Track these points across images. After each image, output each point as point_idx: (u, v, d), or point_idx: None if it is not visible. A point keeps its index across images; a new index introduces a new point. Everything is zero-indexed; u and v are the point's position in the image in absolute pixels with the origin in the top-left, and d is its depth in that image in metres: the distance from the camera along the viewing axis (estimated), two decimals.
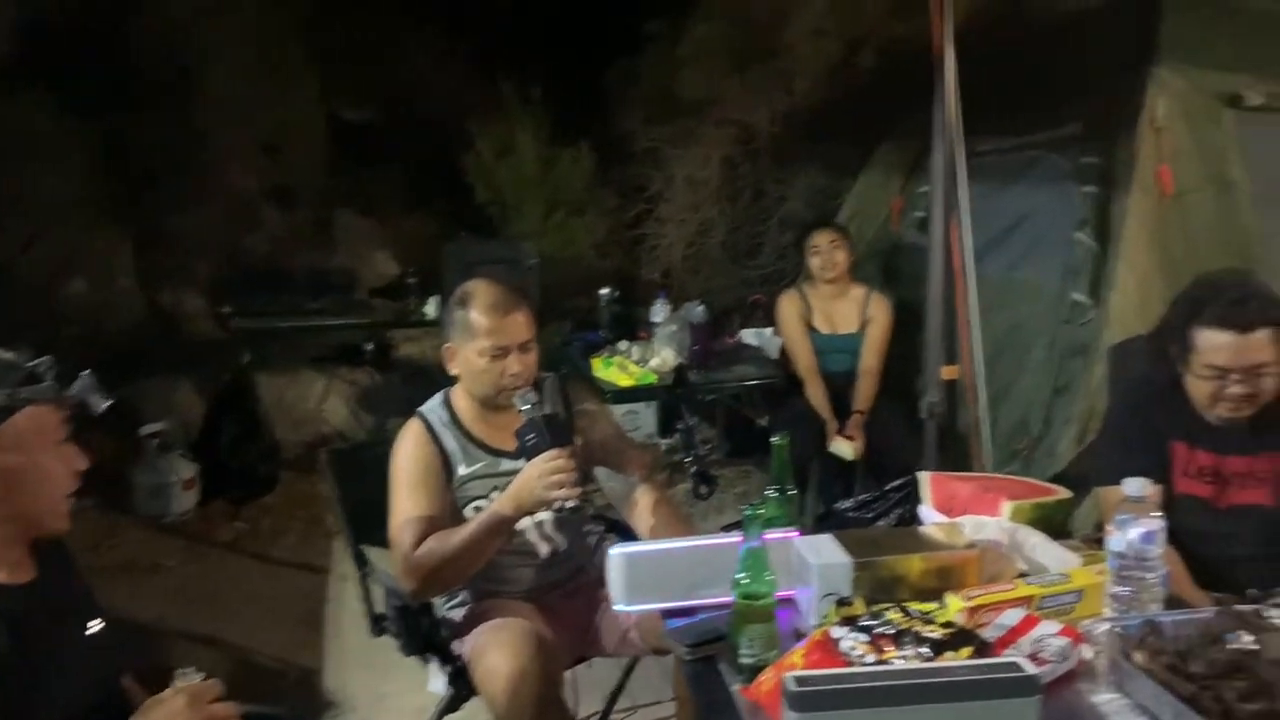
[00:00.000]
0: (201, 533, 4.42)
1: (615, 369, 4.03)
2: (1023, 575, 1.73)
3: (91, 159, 5.38)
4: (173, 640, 3.36)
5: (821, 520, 4.11)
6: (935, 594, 1.64)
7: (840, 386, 4.09)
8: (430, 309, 4.78)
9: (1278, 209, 3.63)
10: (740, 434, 5.12)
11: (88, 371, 1.58)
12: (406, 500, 2.21)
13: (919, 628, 1.39)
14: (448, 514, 2.23)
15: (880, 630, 1.41)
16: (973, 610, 1.58)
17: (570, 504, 2.11)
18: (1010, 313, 4.08)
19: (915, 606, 1.48)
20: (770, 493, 1.96)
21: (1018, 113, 4.21)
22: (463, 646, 2.23)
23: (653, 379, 3.99)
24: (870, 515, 3.19)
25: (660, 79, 5.66)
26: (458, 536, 2.14)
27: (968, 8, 5.75)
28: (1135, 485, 1.60)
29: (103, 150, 5.41)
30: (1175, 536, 2.21)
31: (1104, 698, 1.44)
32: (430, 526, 2.17)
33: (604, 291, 4.60)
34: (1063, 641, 1.48)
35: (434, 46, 6.93)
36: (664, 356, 4.09)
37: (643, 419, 5.36)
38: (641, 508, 2.31)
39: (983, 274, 4.22)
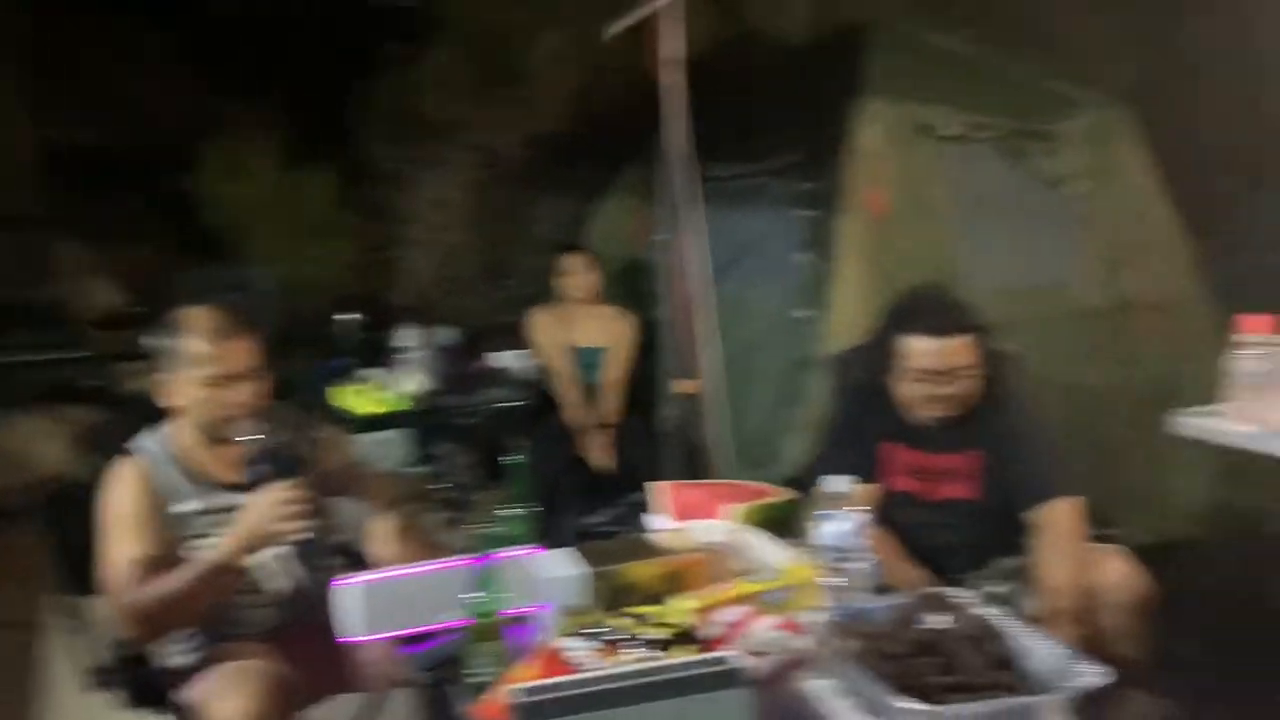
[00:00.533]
0: None
1: (361, 397, 3.93)
2: (748, 574, 1.81)
3: None
4: None
5: (580, 536, 4.19)
6: (667, 598, 1.70)
7: (594, 401, 4.19)
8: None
9: (972, 228, 4.03)
10: (499, 458, 5.10)
11: None
12: (121, 542, 2.07)
13: (644, 631, 1.44)
14: (168, 552, 2.10)
15: (608, 637, 1.45)
16: (699, 611, 1.65)
17: (303, 537, 2.05)
18: (746, 329, 4.30)
19: (643, 611, 1.53)
20: (511, 511, 1.96)
21: (748, 141, 4.46)
22: (189, 695, 2.09)
23: (401, 406, 3.92)
24: (621, 529, 3.27)
25: (403, 101, 5.59)
26: (179, 577, 2.02)
27: (700, 39, 6.08)
28: (840, 482, 1.72)
29: None
30: (892, 529, 2.43)
31: (818, 684, 1.54)
32: (149, 568, 2.04)
33: (348, 317, 4.47)
34: (780, 634, 1.57)
35: (160, 65, 6.51)
36: (413, 382, 4.03)
37: (395, 447, 5.25)
38: (384, 537, 2.26)
39: (721, 293, 4.44)
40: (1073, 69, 4.40)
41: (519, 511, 1.97)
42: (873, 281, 3.80)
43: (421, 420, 4.07)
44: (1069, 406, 4.23)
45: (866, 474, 2.42)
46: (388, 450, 4.99)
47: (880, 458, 2.49)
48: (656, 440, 3.71)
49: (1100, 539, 2.56)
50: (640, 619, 1.49)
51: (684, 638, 1.44)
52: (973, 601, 1.60)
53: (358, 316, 4.52)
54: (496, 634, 1.51)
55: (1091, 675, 1.38)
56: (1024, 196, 4.21)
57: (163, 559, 2.07)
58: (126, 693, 2.15)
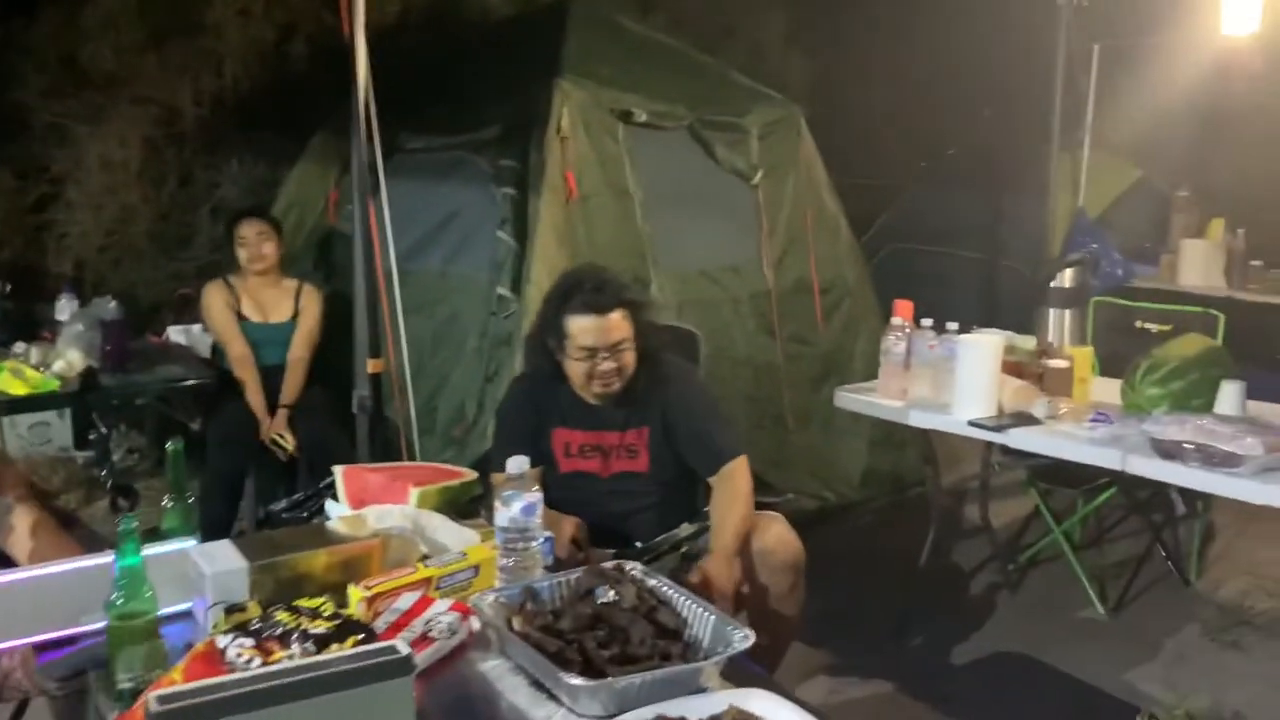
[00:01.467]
0: None
1: (7, 375, 3.52)
2: (426, 558, 1.79)
3: None
4: None
5: (261, 524, 3.97)
6: (342, 587, 1.66)
7: (278, 380, 3.98)
8: None
9: (661, 212, 4.19)
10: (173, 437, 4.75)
11: None
12: None
13: (306, 625, 1.39)
14: None
15: (268, 633, 1.38)
16: (371, 599, 1.62)
17: None
18: (447, 306, 4.25)
19: (304, 604, 1.48)
20: (166, 502, 1.83)
21: (446, 113, 4.39)
22: None
23: (54, 385, 3.55)
24: (305, 514, 3.13)
25: (62, 48, 5.02)
26: None
27: (407, 5, 5.90)
28: (515, 463, 1.74)
29: None
30: (570, 507, 2.49)
31: (491, 664, 1.56)
32: None
33: None
34: (452, 617, 1.57)
35: None
36: (69, 359, 3.67)
37: (55, 430, 4.77)
38: (20, 532, 2.04)
39: (420, 269, 4.36)
40: (755, 66, 4.65)
41: (177, 501, 1.85)
42: (570, 262, 3.85)
43: (76, 401, 3.70)
44: (750, 381, 4.53)
45: (537, 459, 2.47)
46: (48, 434, 4.55)
47: (554, 442, 2.55)
48: (347, 421, 3.57)
49: (768, 506, 2.77)
50: (302, 613, 1.43)
51: (346, 629, 1.40)
52: (643, 574, 1.67)
53: (2, 286, 4.03)
54: (150, 635, 1.40)
55: (741, 640, 1.48)
56: (709, 184, 4.43)
57: None
58: None
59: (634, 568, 1.67)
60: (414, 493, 2.00)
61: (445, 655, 1.54)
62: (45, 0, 5.21)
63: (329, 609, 1.46)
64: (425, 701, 1.44)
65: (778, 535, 2.53)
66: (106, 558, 1.63)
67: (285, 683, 1.17)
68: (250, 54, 5.27)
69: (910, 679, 3.13)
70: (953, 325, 3.16)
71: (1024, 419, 2.92)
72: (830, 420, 4.62)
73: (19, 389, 3.48)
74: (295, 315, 4.05)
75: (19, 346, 3.76)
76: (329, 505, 2.17)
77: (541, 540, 1.74)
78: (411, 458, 3.51)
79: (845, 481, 4.68)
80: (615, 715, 1.35)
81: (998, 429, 2.89)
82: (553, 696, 1.43)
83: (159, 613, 1.50)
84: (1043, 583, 3.82)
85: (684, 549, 2.62)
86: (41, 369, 3.61)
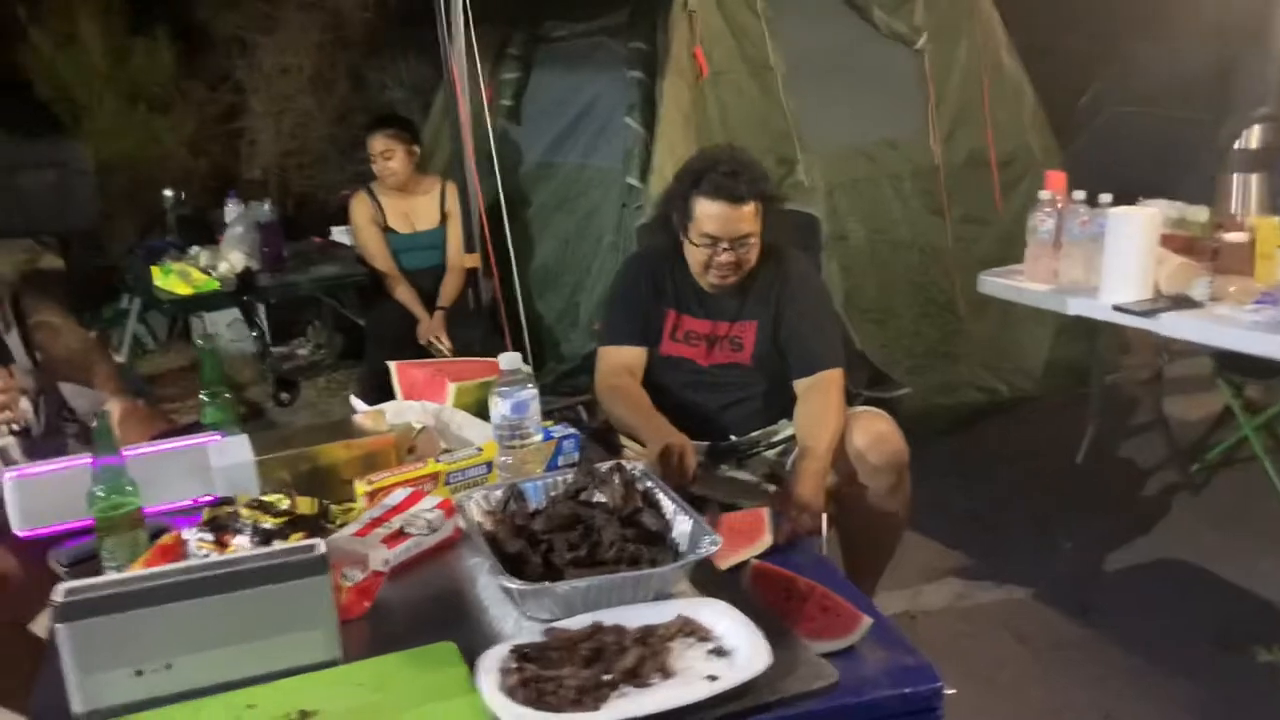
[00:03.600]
0: None
1: (175, 277, 3.79)
2: (446, 454, 1.77)
3: None
4: None
5: None
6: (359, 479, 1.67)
7: (428, 283, 4.06)
8: None
9: (808, 86, 3.91)
10: (352, 334, 5.01)
11: None
12: None
13: (261, 519, 1.39)
14: None
15: (230, 526, 1.40)
16: (373, 494, 1.62)
17: (15, 426, 1.97)
18: (586, 200, 4.20)
19: (268, 499, 1.48)
20: (204, 397, 1.89)
21: None
22: None
23: (215, 285, 3.78)
24: None
25: None
26: None
27: None
28: (508, 359, 1.67)
29: None
30: (667, 392, 2.41)
31: (472, 563, 1.52)
32: None
33: (168, 194, 4.28)
34: (436, 514, 1.54)
35: None
36: (231, 261, 3.89)
37: (232, 325, 5.09)
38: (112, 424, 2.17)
39: (562, 162, 4.32)
40: None
41: (213, 397, 1.91)
42: (698, 146, 3.69)
43: (236, 300, 3.94)
44: (914, 265, 4.23)
45: (643, 338, 2.41)
46: (245, 330, 4.87)
47: (662, 322, 2.46)
48: (480, 319, 3.61)
49: (879, 401, 2.58)
50: (263, 508, 1.44)
51: (294, 524, 1.40)
52: (640, 474, 1.57)
53: (179, 194, 4.32)
54: (131, 525, 1.45)
55: (708, 546, 1.37)
56: (864, 52, 4.09)
57: None
58: None
59: (633, 468, 1.57)
60: (451, 388, 1.97)
61: (428, 550, 1.52)
62: None
63: (283, 504, 1.46)
64: (391, 595, 1.43)
65: (878, 433, 2.35)
66: (134, 451, 1.70)
67: (192, 578, 1.17)
68: None
69: (1049, 585, 2.87)
70: (1106, 197, 2.79)
71: (1180, 302, 2.55)
72: (1010, 306, 4.24)
73: (184, 289, 3.73)
74: (444, 218, 4.08)
75: (194, 250, 4.02)
76: (352, 401, 2.16)
77: (540, 437, 1.67)
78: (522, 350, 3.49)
79: (1023, 373, 4.32)
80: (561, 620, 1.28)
81: (1146, 314, 2.54)
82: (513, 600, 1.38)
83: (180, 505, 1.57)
84: (1232, 487, 3.40)
85: (780, 448, 2.49)
86: (209, 271, 3.85)
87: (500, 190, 3.46)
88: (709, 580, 1.43)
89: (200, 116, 5.50)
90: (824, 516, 2.15)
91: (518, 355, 1.66)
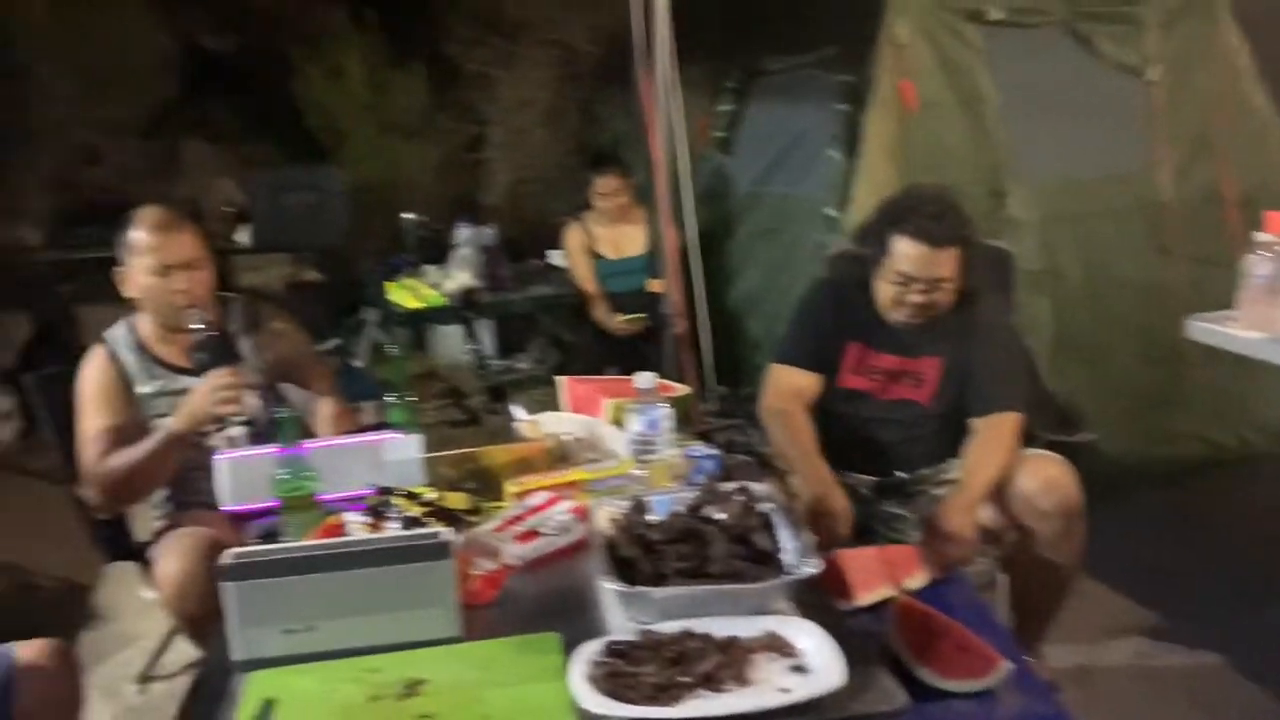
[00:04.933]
0: (17, 462, 4.50)
1: (406, 292, 4.15)
2: (591, 463, 1.90)
3: None
4: None
5: None
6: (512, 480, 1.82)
7: (629, 305, 4.27)
8: (243, 237, 4.85)
9: (1022, 118, 3.81)
10: (567, 351, 5.29)
11: None
12: (90, 418, 2.34)
13: (409, 508, 1.56)
14: (132, 429, 2.35)
15: (384, 512, 1.58)
16: (520, 494, 1.76)
17: (243, 419, 2.27)
18: (790, 230, 4.26)
19: (420, 491, 1.65)
20: (392, 399, 2.11)
21: (798, 30, 4.33)
22: (151, 554, 2.37)
23: (441, 301, 4.12)
24: None
25: (482, 1, 5.68)
26: (137, 450, 2.27)
27: None
28: (643, 379, 1.77)
29: None
30: (838, 424, 2.44)
31: (593, 565, 1.63)
32: (111, 440, 2.29)
33: (408, 217, 4.69)
34: (568, 517, 1.66)
35: None
36: (458, 279, 4.22)
37: (481, 344, 5.48)
38: (323, 419, 2.46)
39: (768, 192, 4.41)
40: None
41: (400, 399, 2.12)
42: (900, 179, 3.67)
43: (458, 315, 4.27)
44: (1136, 305, 4.01)
45: (821, 364, 2.44)
46: (448, 340, 5.25)
47: (846, 353, 2.48)
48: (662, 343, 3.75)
49: (1059, 447, 2.50)
50: (414, 499, 1.61)
51: (437, 515, 1.55)
52: (764, 497, 1.63)
53: (417, 216, 4.72)
54: (308, 506, 1.66)
55: (809, 568, 1.41)
56: (1085, 83, 3.93)
57: (127, 432, 2.33)
58: (106, 548, 2.46)
59: (759, 489, 1.64)
60: (607, 404, 2.10)
61: (558, 550, 1.64)
62: None
63: (429, 496, 1.62)
64: (520, 587, 1.56)
65: (1048, 477, 2.29)
66: (324, 443, 1.93)
67: (334, 553, 1.35)
68: None
69: (1247, 655, 2.66)
70: None
71: None
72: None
73: (413, 303, 4.10)
74: (646, 250, 4.28)
75: (426, 267, 4.40)
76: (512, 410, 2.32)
77: (669, 453, 1.77)
78: (698, 374, 3.57)
79: (1258, 428, 4.00)
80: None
81: None
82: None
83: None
84: None
85: (948, 487, 2.45)
86: (436, 287, 4.20)
87: (695, 219, 3.58)
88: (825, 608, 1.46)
89: (446, 145, 5.97)
90: (974, 551, 2.12)
91: (653, 375, 1.77)
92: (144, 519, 2.53)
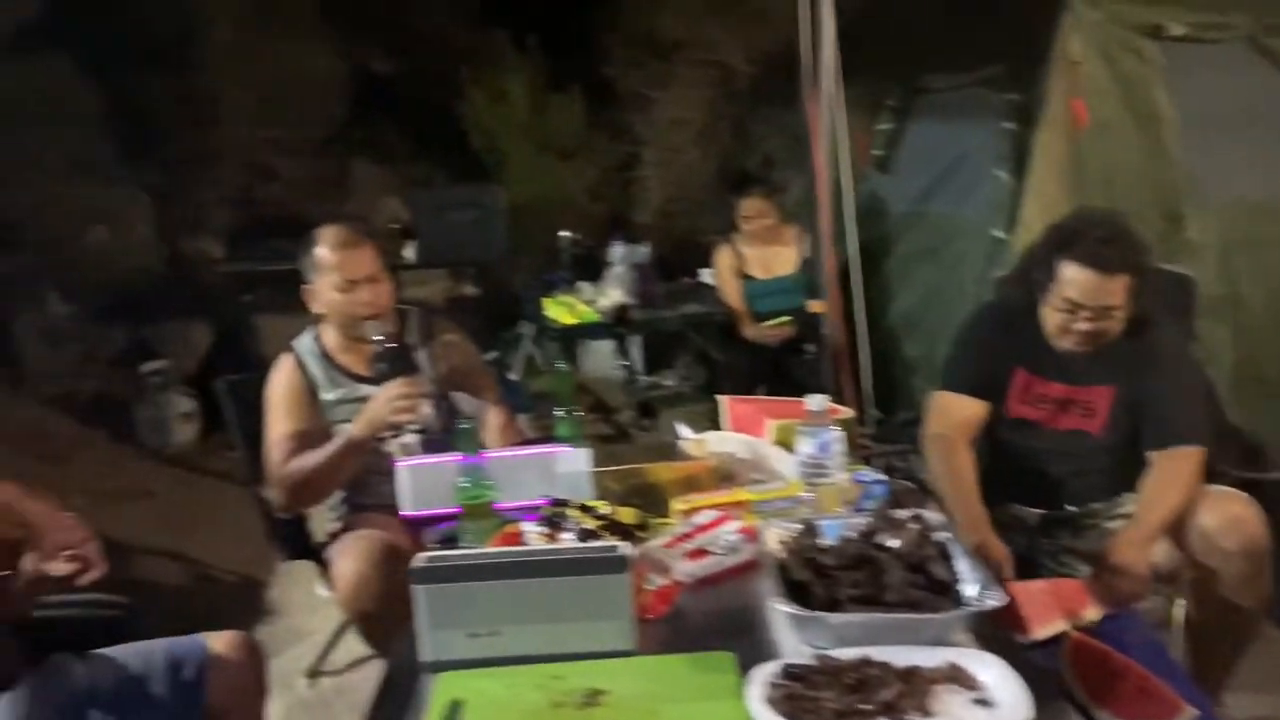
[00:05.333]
0: (197, 462, 4.79)
1: (562, 308, 4.25)
2: (755, 484, 1.91)
3: (106, 116, 5.74)
4: (139, 555, 3.72)
5: None
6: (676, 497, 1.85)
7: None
8: (409, 253, 5.05)
9: (1203, 137, 3.64)
10: (714, 369, 5.31)
11: None
12: (277, 422, 2.47)
13: (584, 521, 1.60)
14: (316, 434, 2.48)
15: (560, 523, 1.62)
16: (686, 511, 1.78)
17: (420, 427, 2.38)
18: (952, 251, 4.17)
19: (595, 504, 1.69)
20: (559, 414, 2.16)
21: (961, 49, 4.25)
22: (328, 553, 2.49)
23: (595, 317, 4.20)
24: None
25: (640, 23, 5.78)
26: (320, 454, 2.39)
27: None
28: (815, 401, 1.76)
29: (116, 107, 5.76)
30: (1005, 453, 2.38)
31: (764, 586, 1.63)
32: (297, 444, 2.42)
33: (564, 235, 4.80)
34: (736, 537, 1.67)
35: None
36: (611, 296, 4.30)
37: (631, 356, 5.56)
38: (491, 429, 2.53)
39: (931, 212, 4.34)
40: None
41: (568, 414, 2.16)
42: (1071, 200, 3.56)
43: (610, 331, 4.34)
44: None
45: (985, 390, 2.37)
46: (595, 355, 5.34)
47: (1013, 381, 2.41)
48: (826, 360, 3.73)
49: (1248, 484, 2.37)
50: (588, 511, 1.64)
51: (612, 529, 1.58)
52: (939, 526, 1.60)
53: (573, 234, 4.83)
54: (485, 514, 1.72)
55: (991, 600, 1.38)
56: (1270, 102, 3.72)
57: (311, 437, 2.45)
58: (286, 548, 2.60)
59: (933, 517, 1.61)
60: (770, 424, 2.10)
61: (727, 570, 1.65)
62: None
63: (604, 510, 1.65)
64: (689, 604, 1.58)
65: (1233, 515, 2.17)
66: (496, 455, 1.99)
67: (517, 561, 1.39)
68: (792, 9, 5.54)
69: None
70: None
71: None
72: None
73: (568, 318, 4.19)
74: (803, 264, 4.27)
75: (580, 284, 4.49)
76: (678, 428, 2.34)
77: (839, 476, 1.75)
78: (858, 394, 3.52)
79: None
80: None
81: None
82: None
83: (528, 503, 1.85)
84: None
85: (1121, 522, 2.35)
86: (590, 304, 4.29)
87: (856, 239, 3.54)
88: (1002, 641, 1.43)
89: (600, 165, 6.09)
90: (1147, 588, 2.03)
91: (825, 397, 1.76)
92: (321, 520, 2.66)
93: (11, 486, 1.66)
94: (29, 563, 1.69)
